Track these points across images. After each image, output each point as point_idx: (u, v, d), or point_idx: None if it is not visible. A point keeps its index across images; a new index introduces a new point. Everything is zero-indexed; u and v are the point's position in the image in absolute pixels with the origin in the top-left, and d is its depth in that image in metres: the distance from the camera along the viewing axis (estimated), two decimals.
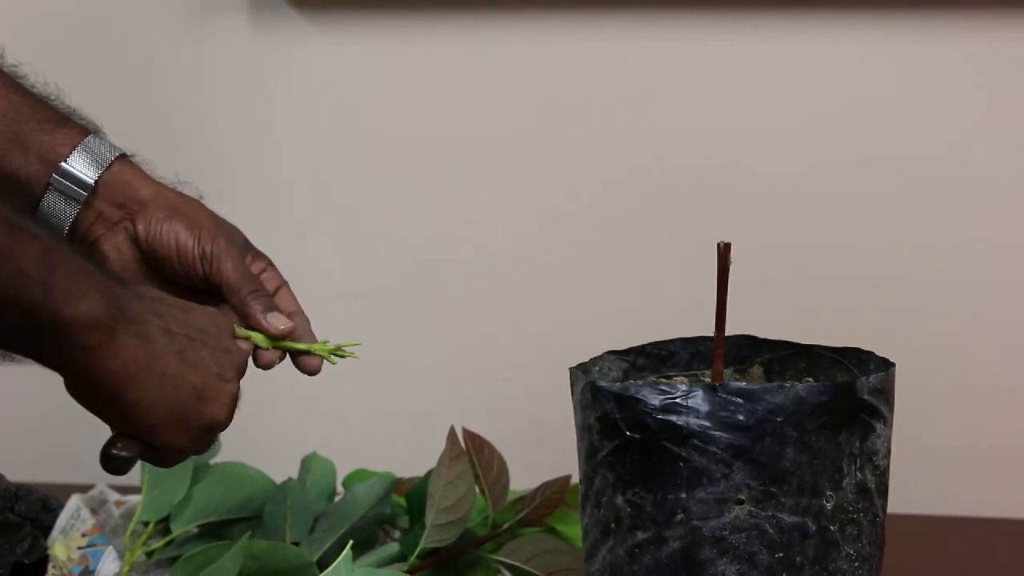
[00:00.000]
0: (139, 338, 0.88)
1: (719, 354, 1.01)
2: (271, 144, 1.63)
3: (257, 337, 1.05)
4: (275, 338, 1.05)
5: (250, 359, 1.03)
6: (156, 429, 0.91)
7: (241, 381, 0.98)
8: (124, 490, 1.38)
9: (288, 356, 1.07)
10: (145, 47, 1.63)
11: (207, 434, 0.94)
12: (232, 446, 1.36)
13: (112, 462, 0.93)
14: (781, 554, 0.93)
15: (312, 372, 1.07)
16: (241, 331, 1.04)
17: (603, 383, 0.95)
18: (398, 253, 1.63)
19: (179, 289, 1.07)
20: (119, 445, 0.93)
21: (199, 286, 1.06)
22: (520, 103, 1.59)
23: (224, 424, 0.94)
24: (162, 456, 0.94)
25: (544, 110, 1.59)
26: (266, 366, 1.05)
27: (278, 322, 1.05)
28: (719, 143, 1.56)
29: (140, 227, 1.05)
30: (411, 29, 1.59)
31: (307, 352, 1.07)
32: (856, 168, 1.54)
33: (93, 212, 1.05)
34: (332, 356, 1.07)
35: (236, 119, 1.64)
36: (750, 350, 1.08)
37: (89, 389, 0.88)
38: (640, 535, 0.95)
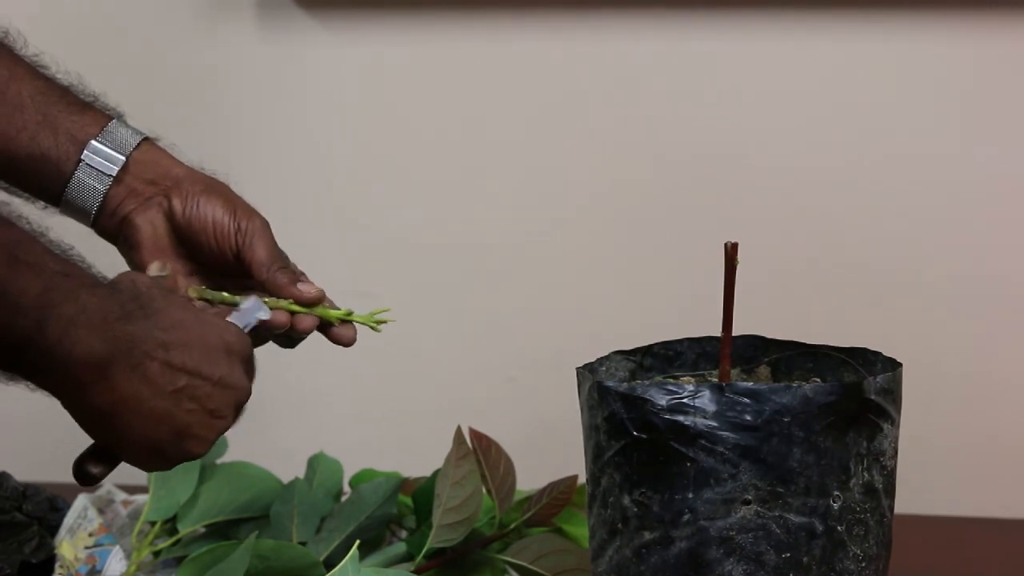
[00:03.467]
0: (134, 379, 0.90)
1: (726, 354, 1.00)
2: (278, 144, 1.63)
3: (289, 305, 1.06)
4: (307, 304, 1.06)
5: (255, 359, 1.03)
6: (133, 456, 0.94)
7: (250, 379, 0.99)
8: (131, 490, 1.38)
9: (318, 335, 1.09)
10: (153, 48, 1.63)
11: (181, 462, 0.96)
12: (239, 446, 1.36)
13: (84, 477, 0.96)
14: (788, 554, 0.93)
15: (348, 343, 1.09)
16: (273, 301, 1.05)
17: (610, 383, 0.95)
18: (406, 252, 1.63)
19: (205, 268, 1.09)
20: (91, 463, 0.96)
21: (229, 263, 1.07)
22: (528, 102, 1.59)
23: (201, 455, 0.96)
24: (140, 468, 0.97)
25: (553, 109, 1.59)
26: (278, 327, 1.06)
27: (308, 288, 1.06)
28: (727, 143, 1.56)
29: (176, 202, 1.07)
30: (418, 29, 1.59)
31: (343, 320, 1.08)
32: (863, 168, 1.54)
33: (124, 188, 1.07)
34: (377, 325, 1.09)
35: (243, 119, 1.64)
36: (757, 350, 1.08)
37: (78, 415, 0.91)
38: (647, 535, 0.95)
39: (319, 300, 1.07)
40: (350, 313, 1.08)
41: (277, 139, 1.64)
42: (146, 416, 0.91)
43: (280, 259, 1.08)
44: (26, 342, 0.85)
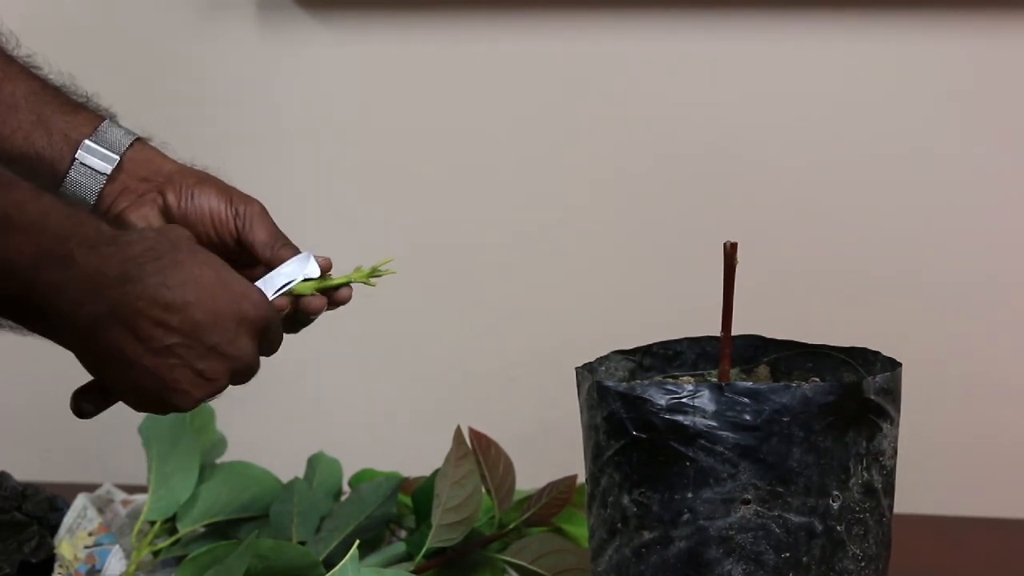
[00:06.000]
0: (124, 335, 0.92)
1: (726, 354, 1.00)
2: (279, 143, 1.63)
3: (303, 286, 1.06)
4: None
5: (274, 341, 1.03)
6: (124, 399, 0.97)
7: (268, 348, 1.00)
8: (131, 489, 1.38)
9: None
10: (153, 47, 1.63)
11: (170, 411, 0.98)
12: (238, 445, 1.36)
13: (80, 411, 0.99)
14: (787, 554, 0.93)
15: (344, 301, 1.09)
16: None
17: (609, 383, 0.95)
18: (405, 252, 1.62)
19: None
20: (85, 401, 0.99)
21: (230, 251, 1.08)
22: (526, 100, 1.59)
23: (188, 409, 0.98)
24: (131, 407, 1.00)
25: (551, 107, 1.59)
26: (315, 312, 1.07)
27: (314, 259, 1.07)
28: (726, 143, 1.56)
29: (171, 197, 1.08)
30: (418, 29, 1.59)
31: (344, 285, 1.08)
32: (863, 168, 1.54)
33: (118, 186, 1.08)
34: (370, 279, 1.09)
35: (244, 118, 1.64)
36: (757, 350, 1.08)
37: (76, 355, 0.95)
38: (646, 535, 0.94)
39: (327, 268, 1.08)
40: (350, 279, 1.09)
41: (277, 138, 1.63)
42: (133, 368, 0.93)
43: (282, 237, 1.08)
44: (20, 300, 0.90)
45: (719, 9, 1.54)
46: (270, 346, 1.01)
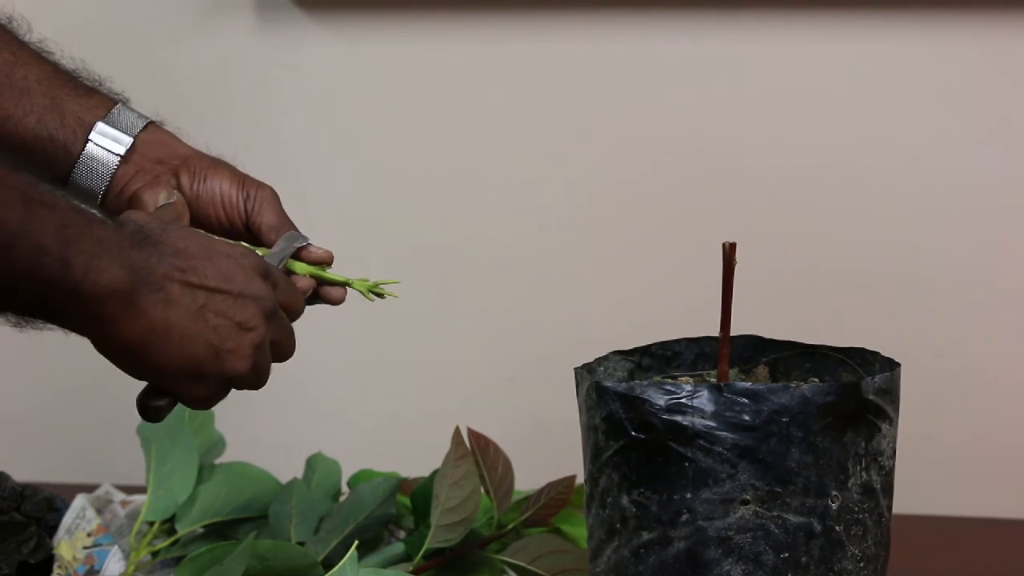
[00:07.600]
0: (158, 304, 0.90)
1: (724, 354, 1.00)
2: (277, 143, 1.63)
3: (298, 266, 1.07)
4: (315, 263, 1.07)
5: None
6: (177, 385, 0.93)
7: (277, 290, 0.99)
8: (129, 490, 1.38)
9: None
10: (151, 47, 1.63)
11: (229, 384, 0.96)
12: (237, 446, 1.36)
13: (148, 412, 0.95)
14: (786, 554, 0.93)
15: (335, 301, 1.09)
16: (289, 263, 1.06)
17: (608, 383, 0.95)
18: (403, 252, 1.63)
19: None
20: (153, 398, 0.95)
21: (239, 234, 1.09)
22: (525, 101, 1.59)
23: (247, 375, 0.95)
24: (191, 404, 0.96)
25: (550, 108, 1.59)
26: (302, 291, 1.06)
27: (317, 248, 1.08)
28: (726, 143, 1.56)
29: (184, 179, 1.08)
30: (415, 28, 1.59)
31: (343, 284, 1.08)
32: (862, 168, 1.54)
33: (132, 167, 1.08)
34: (370, 293, 1.09)
35: (242, 118, 1.64)
36: (755, 350, 1.08)
37: (110, 352, 0.90)
38: (645, 535, 0.94)
39: (328, 260, 1.08)
40: (349, 281, 1.09)
41: (275, 139, 1.63)
42: (177, 339, 0.91)
43: (289, 223, 1.09)
44: (52, 282, 0.85)
45: (719, 9, 1.54)
46: (280, 285, 0.99)
